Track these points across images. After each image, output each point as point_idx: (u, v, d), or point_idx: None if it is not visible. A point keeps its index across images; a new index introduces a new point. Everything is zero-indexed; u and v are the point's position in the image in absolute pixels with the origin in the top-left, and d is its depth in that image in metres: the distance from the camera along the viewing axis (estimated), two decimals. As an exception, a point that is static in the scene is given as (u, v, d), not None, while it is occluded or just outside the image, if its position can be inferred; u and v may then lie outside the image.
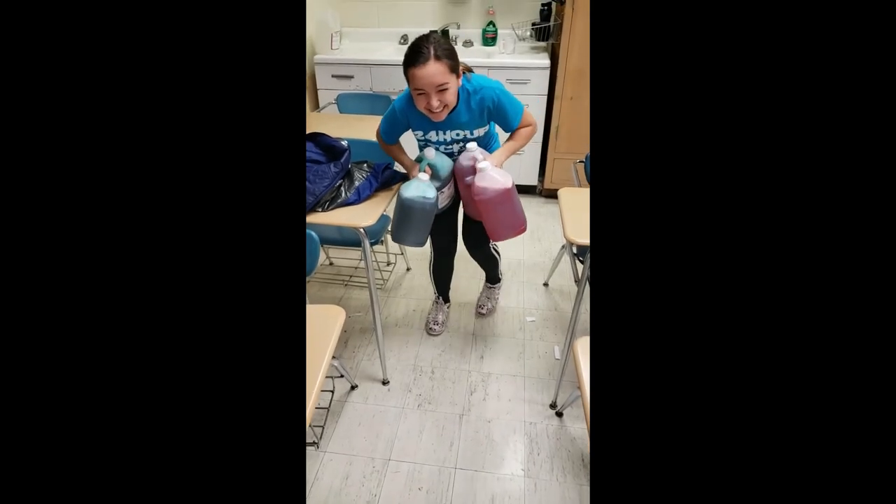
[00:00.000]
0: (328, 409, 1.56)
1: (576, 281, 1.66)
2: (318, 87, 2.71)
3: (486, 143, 1.51)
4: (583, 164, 1.80)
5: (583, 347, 0.97)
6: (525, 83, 2.54)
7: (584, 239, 1.29)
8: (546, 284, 2.14)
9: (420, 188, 1.36)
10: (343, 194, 1.41)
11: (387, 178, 1.49)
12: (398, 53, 2.75)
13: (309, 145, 1.47)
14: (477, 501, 1.31)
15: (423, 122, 1.39)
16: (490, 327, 1.91)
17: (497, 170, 1.35)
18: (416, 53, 1.23)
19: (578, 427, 1.52)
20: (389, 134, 1.49)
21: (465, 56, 2.63)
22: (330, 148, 1.46)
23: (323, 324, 1.01)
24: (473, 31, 2.85)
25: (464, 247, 1.73)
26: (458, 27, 2.85)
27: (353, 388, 1.65)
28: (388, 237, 2.14)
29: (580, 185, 1.77)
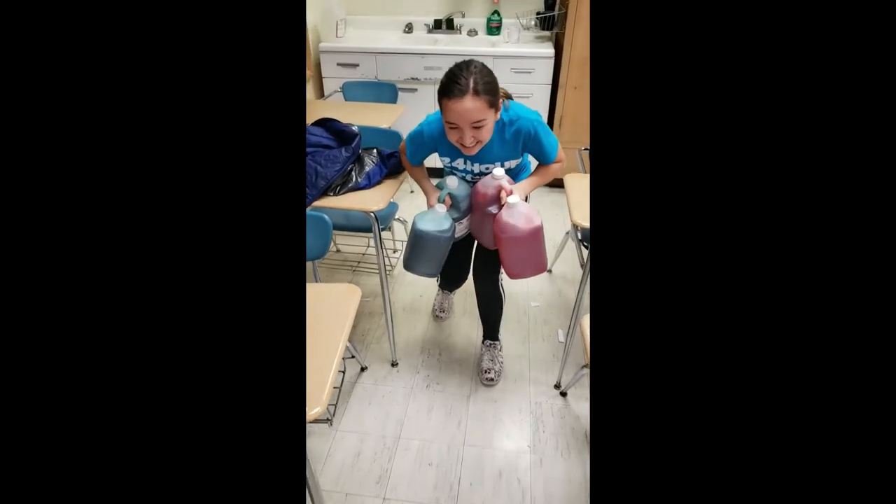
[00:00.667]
0: (339, 388, 1.60)
1: (581, 265, 1.69)
2: (323, 75, 2.73)
3: (517, 173, 1.40)
4: (587, 151, 1.83)
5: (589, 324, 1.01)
6: (529, 72, 2.56)
7: (588, 221, 1.32)
8: (550, 271, 2.18)
9: (436, 221, 1.29)
10: (354, 179, 1.44)
11: (393, 165, 1.51)
12: (403, 42, 2.76)
13: (320, 130, 1.49)
14: (485, 476, 1.36)
15: (451, 150, 1.29)
16: (495, 312, 1.95)
17: (526, 205, 1.26)
18: (452, 83, 1.10)
19: (582, 406, 1.56)
20: (414, 155, 1.40)
21: (468, 46, 2.66)
22: (340, 133, 1.49)
23: (338, 303, 1.04)
24: (478, 20, 2.86)
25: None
26: (463, 16, 2.86)
27: (363, 369, 1.69)
28: (395, 224, 2.18)
29: (585, 172, 1.81)
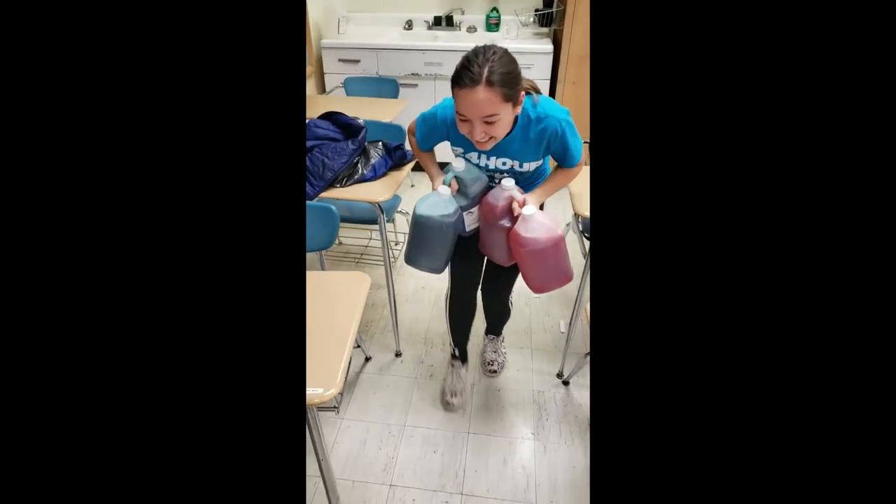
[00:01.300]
0: (345, 378, 1.62)
1: (583, 255, 1.72)
2: (324, 71, 2.74)
3: (534, 180, 1.27)
4: (587, 144, 1.85)
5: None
6: (528, 69, 2.58)
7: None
8: (550, 264, 2.20)
9: (438, 205, 1.15)
10: (360, 171, 1.46)
11: (399, 157, 1.53)
12: (403, 38, 2.78)
13: (326, 123, 1.51)
14: (489, 462, 1.38)
15: (465, 141, 1.14)
16: (497, 304, 1.97)
17: (543, 214, 1.16)
18: (464, 71, 0.97)
19: (584, 394, 1.59)
20: (425, 139, 1.26)
21: (467, 42, 2.68)
22: (347, 126, 1.50)
23: (349, 289, 1.06)
24: (477, 17, 2.88)
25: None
26: (463, 13, 2.88)
27: (367, 359, 1.71)
28: (397, 216, 2.20)
29: (586, 164, 1.83)
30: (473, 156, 1.21)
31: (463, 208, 1.21)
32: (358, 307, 1.01)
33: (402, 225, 2.32)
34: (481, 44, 1.03)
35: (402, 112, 2.12)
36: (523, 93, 1.05)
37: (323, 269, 1.86)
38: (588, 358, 1.63)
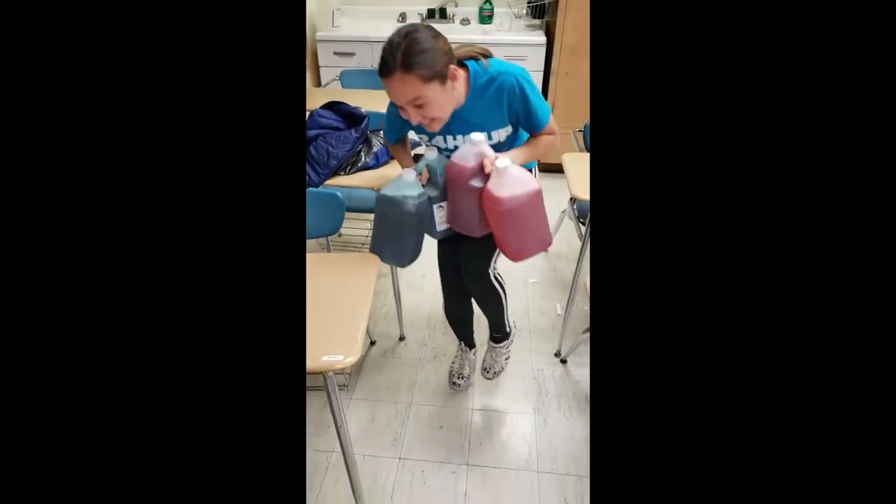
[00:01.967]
0: (362, 347, 1.68)
1: (580, 238, 1.78)
2: (319, 64, 2.77)
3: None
4: (581, 132, 1.92)
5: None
6: (522, 60, 2.63)
7: (587, 195, 1.41)
8: (546, 250, 2.27)
9: (400, 186, 1.07)
10: (363, 159, 1.51)
11: (401, 145, 1.58)
12: (397, 31, 2.81)
13: (329, 113, 1.55)
14: (493, 435, 1.45)
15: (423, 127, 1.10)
16: (496, 289, 2.04)
17: (519, 168, 1.05)
18: (382, 59, 0.97)
19: (582, 371, 1.66)
20: (390, 131, 1.24)
21: (461, 34, 2.72)
22: (350, 115, 1.55)
23: (360, 268, 1.11)
24: (470, 10, 2.92)
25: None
26: (456, 5, 2.92)
27: (372, 343, 1.76)
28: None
29: (580, 151, 1.89)
30: (439, 140, 1.16)
31: (433, 200, 1.12)
32: (370, 282, 1.06)
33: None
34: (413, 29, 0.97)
35: (399, 103, 2.16)
36: (453, 66, 1.00)
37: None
38: (585, 335, 1.70)
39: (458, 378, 1.60)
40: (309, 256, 1.16)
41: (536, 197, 1.06)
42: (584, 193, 1.41)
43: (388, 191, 1.08)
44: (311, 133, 1.49)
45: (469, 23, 2.91)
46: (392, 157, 1.56)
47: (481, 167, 1.04)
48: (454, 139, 1.14)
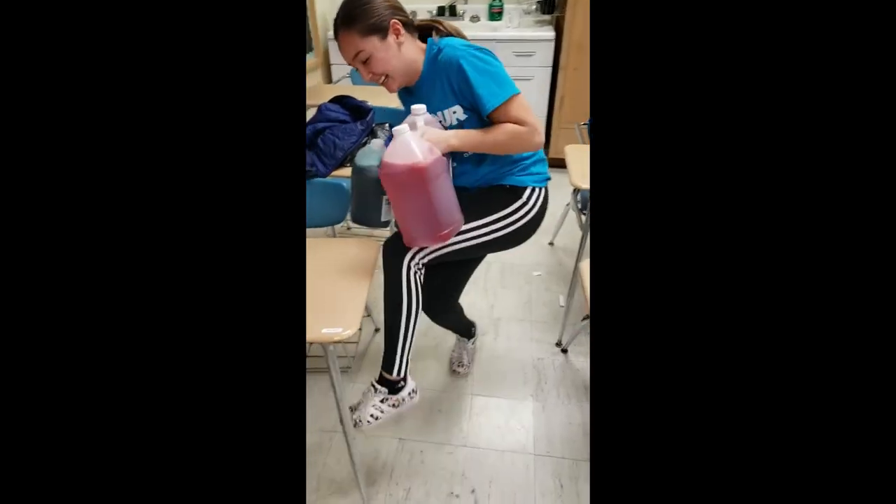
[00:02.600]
0: (357, 343, 1.73)
1: (580, 227, 1.81)
2: (331, 62, 2.84)
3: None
4: (586, 126, 1.94)
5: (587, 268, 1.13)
6: (530, 55, 2.66)
7: (587, 184, 1.44)
8: (552, 243, 2.29)
9: (367, 155, 1.07)
10: (368, 150, 1.56)
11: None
12: (408, 28, 2.86)
13: (336, 107, 1.61)
14: (492, 419, 1.48)
15: (410, 99, 1.11)
16: (498, 281, 2.07)
17: (417, 137, 0.95)
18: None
19: (582, 361, 1.68)
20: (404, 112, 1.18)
21: (470, 31, 2.76)
22: (356, 108, 1.60)
23: (360, 253, 1.16)
24: (480, 6, 2.96)
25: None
26: (466, 2, 2.96)
27: (376, 330, 1.82)
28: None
29: (584, 143, 1.92)
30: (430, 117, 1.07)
31: None
32: (370, 262, 1.12)
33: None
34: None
35: (407, 98, 2.21)
36: (395, 21, 0.99)
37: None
38: (585, 322, 1.72)
39: (458, 366, 1.65)
40: (313, 241, 1.22)
41: (416, 173, 0.91)
42: (585, 183, 1.44)
43: (357, 160, 1.08)
44: (319, 126, 1.55)
45: (479, 19, 2.95)
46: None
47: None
48: (434, 114, 1.06)
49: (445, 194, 0.98)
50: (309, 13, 2.53)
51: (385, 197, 1.07)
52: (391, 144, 0.95)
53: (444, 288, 1.29)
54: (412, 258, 1.09)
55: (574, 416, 1.49)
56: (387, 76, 1.02)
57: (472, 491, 1.29)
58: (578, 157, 1.58)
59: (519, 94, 0.98)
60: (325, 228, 1.62)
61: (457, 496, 1.29)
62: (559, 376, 1.62)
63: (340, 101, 1.64)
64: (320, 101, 1.66)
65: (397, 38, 1.00)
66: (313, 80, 2.70)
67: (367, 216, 1.13)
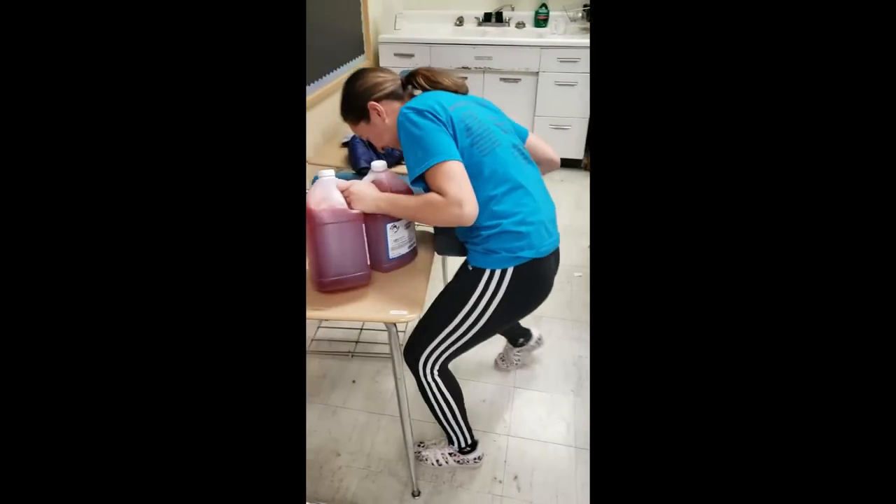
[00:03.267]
0: (405, 332, 1.80)
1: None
2: (381, 64, 2.94)
3: (483, 204, 0.95)
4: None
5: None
6: (575, 62, 2.70)
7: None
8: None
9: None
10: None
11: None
12: (454, 34, 2.95)
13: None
14: (531, 411, 1.53)
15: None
16: (540, 280, 2.11)
17: (339, 197, 0.97)
18: None
19: (622, 361, 1.71)
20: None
21: (516, 37, 2.81)
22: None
23: (420, 247, 1.24)
24: (526, 14, 3.02)
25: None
26: (512, 9, 3.03)
27: (421, 322, 1.89)
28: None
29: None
30: None
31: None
32: (429, 257, 1.19)
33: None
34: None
35: (455, 100, 2.29)
36: (370, 103, 1.04)
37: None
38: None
39: (501, 361, 1.70)
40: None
41: (308, 213, 0.95)
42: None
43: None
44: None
45: (524, 26, 3.01)
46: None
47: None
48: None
49: (339, 247, 0.97)
50: (363, 17, 2.65)
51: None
52: (313, 187, 0.99)
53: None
54: (423, 367, 1.15)
55: (615, 413, 1.51)
56: (386, 146, 1.13)
57: (515, 477, 1.34)
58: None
59: (445, 161, 0.89)
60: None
61: (500, 482, 1.33)
62: (600, 374, 1.65)
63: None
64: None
65: (379, 115, 1.06)
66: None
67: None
